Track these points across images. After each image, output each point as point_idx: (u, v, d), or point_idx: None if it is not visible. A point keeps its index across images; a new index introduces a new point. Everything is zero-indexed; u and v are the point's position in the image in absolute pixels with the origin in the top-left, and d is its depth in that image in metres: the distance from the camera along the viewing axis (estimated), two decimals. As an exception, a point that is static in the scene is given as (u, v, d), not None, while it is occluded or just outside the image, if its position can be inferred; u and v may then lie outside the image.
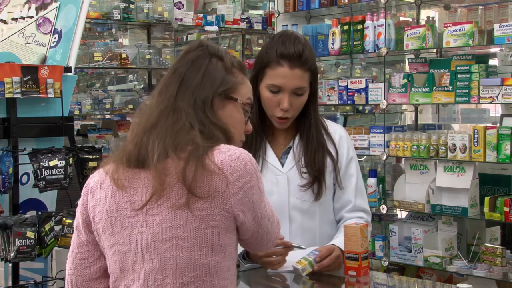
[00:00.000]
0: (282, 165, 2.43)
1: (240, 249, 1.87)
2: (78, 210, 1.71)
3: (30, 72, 3.32)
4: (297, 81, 2.30)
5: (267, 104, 2.36)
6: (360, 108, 5.44)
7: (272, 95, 2.33)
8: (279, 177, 2.41)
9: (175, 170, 1.56)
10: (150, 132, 1.62)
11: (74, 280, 1.73)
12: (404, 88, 4.21)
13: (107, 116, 5.96)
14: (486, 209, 3.81)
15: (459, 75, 3.94)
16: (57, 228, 3.25)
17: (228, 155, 1.59)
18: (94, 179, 1.70)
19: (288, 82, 2.30)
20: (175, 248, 1.56)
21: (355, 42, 4.46)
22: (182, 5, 5.80)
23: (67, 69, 3.55)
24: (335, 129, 2.50)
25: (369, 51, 4.40)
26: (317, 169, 2.38)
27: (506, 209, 3.72)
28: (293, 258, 2.26)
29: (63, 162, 3.26)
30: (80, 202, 1.71)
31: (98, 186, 1.67)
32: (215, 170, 1.56)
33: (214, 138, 1.63)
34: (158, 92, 1.69)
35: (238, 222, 1.62)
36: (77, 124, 5.55)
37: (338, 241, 2.34)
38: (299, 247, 2.24)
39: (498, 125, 4.11)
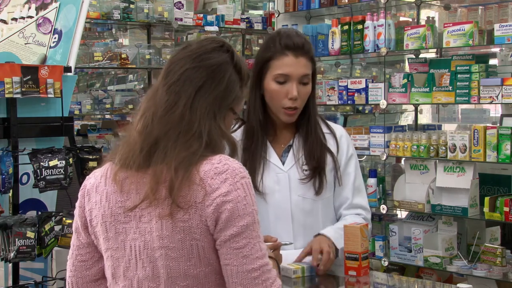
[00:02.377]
0: (283, 163, 2.44)
1: None
2: (76, 213, 1.70)
3: (30, 72, 3.32)
4: (303, 69, 2.37)
5: (275, 96, 2.38)
6: (360, 108, 5.44)
7: (279, 86, 2.37)
8: (280, 175, 2.42)
9: (165, 178, 1.53)
10: (161, 137, 1.56)
11: (75, 282, 1.72)
12: (404, 88, 4.21)
13: (107, 116, 5.96)
14: (486, 209, 3.81)
15: (459, 75, 3.94)
16: (57, 228, 3.25)
17: (214, 166, 1.54)
18: (90, 181, 1.68)
19: (295, 70, 2.35)
20: (164, 257, 1.55)
21: (355, 42, 4.46)
22: (182, 5, 5.80)
23: (67, 69, 3.55)
24: (335, 128, 2.54)
25: (369, 51, 4.40)
26: (316, 161, 2.40)
27: (506, 209, 3.72)
28: (287, 261, 2.27)
29: (63, 162, 3.26)
30: (77, 204, 1.70)
31: (93, 189, 1.65)
32: (196, 180, 1.52)
33: (217, 150, 1.59)
34: (167, 87, 1.61)
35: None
36: (77, 124, 5.55)
37: (326, 230, 2.36)
38: (287, 243, 2.26)
39: (498, 125, 4.10)
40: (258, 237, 1.55)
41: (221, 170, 1.54)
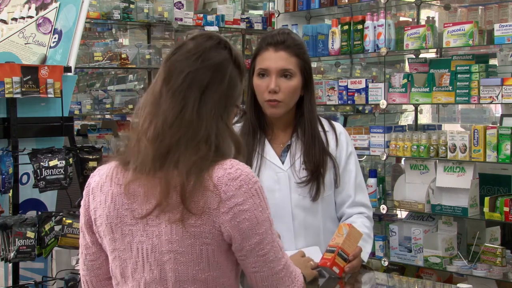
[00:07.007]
0: (283, 163, 2.45)
1: None
2: (81, 211, 1.69)
3: (30, 72, 3.32)
4: (282, 62, 2.40)
5: (257, 90, 2.44)
6: (360, 108, 5.44)
7: (261, 80, 2.42)
8: (280, 175, 2.43)
9: (176, 183, 1.52)
10: (173, 145, 1.55)
11: (89, 280, 1.73)
12: (404, 88, 4.21)
13: (107, 116, 5.96)
14: (486, 209, 3.81)
15: (459, 75, 3.94)
16: (57, 228, 3.25)
17: (227, 172, 1.54)
18: (94, 179, 1.67)
19: (273, 63, 2.40)
20: (173, 261, 1.55)
21: (355, 42, 4.46)
22: (182, 5, 5.80)
23: (67, 69, 3.56)
24: (335, 125, 2.56)
25: (369, 51, 4.40)
26: (315, 166, 2.40)
27: (506, 209, 3.72)
28: None
29: (63, 162, 3.26)
30: (82, 202, 1.69)
31: (98, 188, 1.64)
32: (210, 186, 1.52)
33: (225, 153, 1.58)
34: (172, 93, 1.58)
35: (229, 242, 1.57)
36: (77, 124, 5.55)
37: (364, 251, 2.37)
38: None
39: (498, 125, 4.11)
40: (276, 238, 1.61)
41: (234, 176, 1.54)
